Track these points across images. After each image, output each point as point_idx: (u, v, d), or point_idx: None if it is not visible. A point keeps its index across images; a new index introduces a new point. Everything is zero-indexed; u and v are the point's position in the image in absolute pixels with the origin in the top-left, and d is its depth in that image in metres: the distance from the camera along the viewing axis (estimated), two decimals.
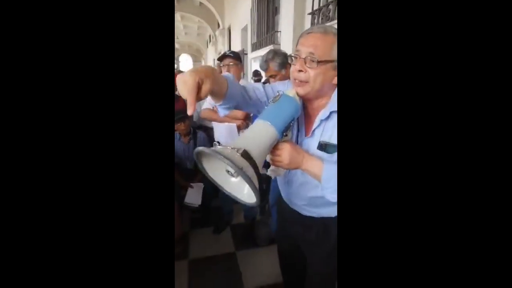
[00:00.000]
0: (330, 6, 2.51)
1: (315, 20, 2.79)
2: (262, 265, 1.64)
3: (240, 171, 0.50)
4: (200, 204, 1.95)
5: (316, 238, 0.88)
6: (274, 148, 0.68)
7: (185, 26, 12.64)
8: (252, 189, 0.53)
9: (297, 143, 0.78)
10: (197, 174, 2.06)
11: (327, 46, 0.63)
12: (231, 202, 2.07)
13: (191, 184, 1.98)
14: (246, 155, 0.53)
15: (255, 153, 0.55)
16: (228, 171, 0.59)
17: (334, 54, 0.64)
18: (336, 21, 2.32)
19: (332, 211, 0.83)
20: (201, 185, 2.00)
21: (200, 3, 8.30)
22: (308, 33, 0.67)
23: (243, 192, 0.62)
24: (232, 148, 0.53)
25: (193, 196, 1.95)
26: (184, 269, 1.64)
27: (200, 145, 2.09)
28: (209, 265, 1.68)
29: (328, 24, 2.40)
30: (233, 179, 0.61)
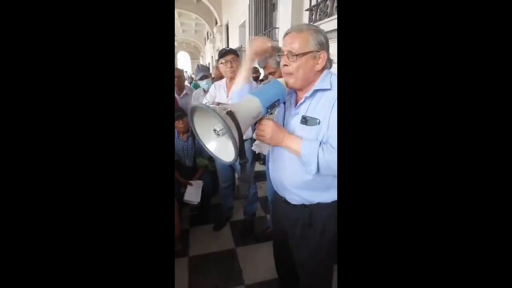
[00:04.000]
0: (328, 2, 2.50)
1: (313, 16, 2.78)
2: (262, 261, 1.65)
3: (224, 123, 0.59)
4: (199, 202, 1.96)
5: (301, 232, 0.91)
6: (258, 124, 0.78)
7: (182, 23, 12.55)
8: (232, 141, 0.62)
9: (284, 120, 0.88)
10: (196, 172, 2.06)
11: (302, 41, 0.76)
12: (231, 198, 2.09)
13: (191, 181, 1.98)
14: (231, 114, 0.64)
15: (239, 116, 0.65)
16: (215, 130, 0.68)
17: (310, 46, 0.76)
18: (334, 16, 2.31)
19: (315, 195, 0.86)
20: (200, 182, 2.00)
21: (197, 0, 8.24)
22: (287, 33, 0.80)
23: (224, 151, 0.73)
24: (220, 107, 0.66)
25: (193, 193, 1.95)
26: (184, 266, 1.65)
27: (198, 143, 2.09)
28: (209, 262, 1.69)
29: (326, 20, 2.39)
30: (217, 138, 0.71)
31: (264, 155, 2.73)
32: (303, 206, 0.88)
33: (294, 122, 0.83)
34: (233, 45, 6.81)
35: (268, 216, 2.11)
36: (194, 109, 0.70)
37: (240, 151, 0.66)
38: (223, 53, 1.67)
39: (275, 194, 1.01)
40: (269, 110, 0.76)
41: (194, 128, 0.74)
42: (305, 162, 0.76)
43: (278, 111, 0.92)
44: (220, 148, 0.74)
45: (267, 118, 0.78)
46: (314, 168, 0.74)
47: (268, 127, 0.77)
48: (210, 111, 0.62)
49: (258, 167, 2.82)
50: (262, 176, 2.33)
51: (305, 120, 0.80)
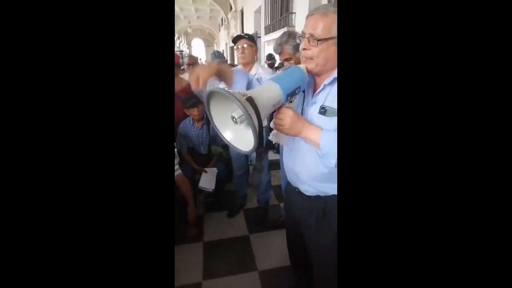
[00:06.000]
0: None
1: (332, 0, 2.66)
2: (275, 248, 1.67)
3: (244, 109, 0.57)
4: (213, 189, 1.99)
5: (316, 224, 0.89)
6: (277, 112, 0.74)
7: (196, 9, 12.42)
8: (252, 129, 0.59)
9: (302, 109, 0.84)
10: (211, 159, 2.09)
11: (326, 26, 0.71)
12: (245, 186, 2.10)
13: (205, 169, 2.01)
14: (250, 100, 0.61)
15: (259, 103, 0.62)
16: (233, 117, 0.64)
17: (334, 32, 0.71)
18: None
19: (331, 188, 0.83)
20: (215, 170, 2.02)
21: None
22: (310, 14, 0.75)
23: (241, 140, 0.70)
24: (239, 92, 0.62)
25: (207, 180, 1.98)
26: (199, 251, 1.70)
27: (213, 130, 2.11)
28: (223, 248, 1.73)
29: None
30: (234, 126, 0.68)
31: (278, 144, 2.72)
32: (318, 197, 0.87)
33: (312, 112, 0.79)
34: (248, 31, 6.69)
35: (282, 205, 2.12)
36: (211, 94, 0.66)
37: (259, 139, 0.63)
38: (235, 39, 1.65)
39: (288, 184, 0.99)
40: (289, 98, 0.72)
41: (210, 115, 0.70)
42: (324, 154, 0.72)
43: (297, 99, 0.88)
44: (237, 136, 0.70)
45: (287, 107, 0.74)
46: (334, 161, 0.71)
47: (287, 116, 0.73)
48: (230, 96, 0.58)
49: (272, 155, 2.81)
50: (276, 165, 2.32)
51: (324, 110, 0.76)
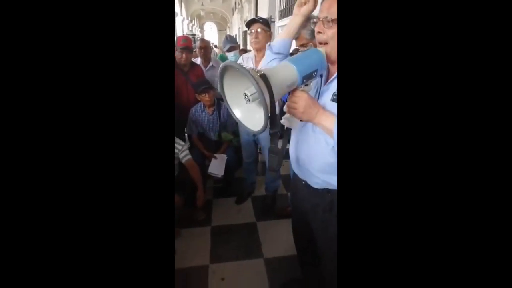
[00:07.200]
0: None
1: None
2: (282, 237, 1.68)
3: (256, 85, 0.55)
4: (222, 175, 2.00)
5: (322, 217, 0.89)
6: (291, 95, 0.72)
7: None
8: (263, 107, 0.58)
9: (318, 95, 0.82)
10: (221, 145, 2.08)
11: None
12: (254, 174, 2.11)
13: (215, 155, 2.01)
14: (264, 77, 0.59)
15: (272, 81, 0.60)
16: (245, 95, 0.63)
17: None
18: None
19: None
20: (224, 156, 2.02)
21: None
22: (323, 0, 0.75)
23: (252, 119, 0.68)
24: (253, 69, 0.62)
25: (217, 166, 1.99)
26: (206, 235, 1.73)
27: (223, 116, 2.08)
28: (230, 233, 1.76)
29: None
30: (246, 105, 0.66)
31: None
32: (326, 190, 0.85)
33: (325, 99, 0.77)
34: (262, 15, 6.51)
35: (290, 194, 2.12)
36: (225, 69, 0.64)
37: (272, 119, 0.61)
38: (248, 23, 1.59)
39: (295, 176, 0.98)
40: (304, 81, 0.68)
41: (223, 91, 0.68)
42: (337, 142, 0.70)
43: (314, 84, 0.84)
44: (248, 115, 0.69)
45: (302, 90, 0.71)
46: None
47: (301, 99, 0.70)
48: (243, 71, 0.56)
49: None
50: (285, 154, 2.31)
51: (336, 98, 0.73)
